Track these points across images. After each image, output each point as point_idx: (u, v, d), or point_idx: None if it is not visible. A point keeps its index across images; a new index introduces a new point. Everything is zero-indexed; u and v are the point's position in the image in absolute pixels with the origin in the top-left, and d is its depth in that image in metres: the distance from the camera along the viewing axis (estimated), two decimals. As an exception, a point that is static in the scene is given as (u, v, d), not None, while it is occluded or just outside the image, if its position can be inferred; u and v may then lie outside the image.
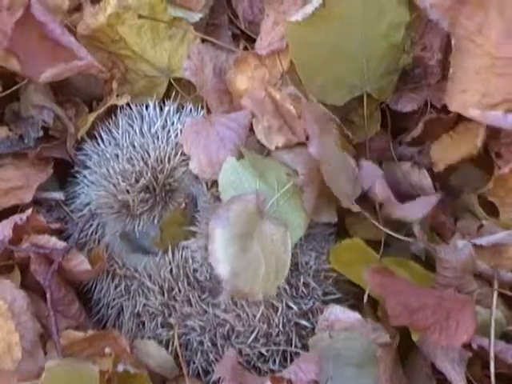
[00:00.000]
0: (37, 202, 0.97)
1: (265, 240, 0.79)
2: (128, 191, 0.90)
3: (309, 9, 0.92)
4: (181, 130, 0.92)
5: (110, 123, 0.97)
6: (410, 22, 0.97)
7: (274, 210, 0.84)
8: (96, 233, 0.93)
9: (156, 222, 0.92)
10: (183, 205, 0.92)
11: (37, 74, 0.93)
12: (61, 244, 0.88)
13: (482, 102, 0.90)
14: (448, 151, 0.97)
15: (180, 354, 0.88)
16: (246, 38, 1.10)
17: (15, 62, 0.93)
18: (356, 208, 0.88)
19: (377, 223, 0.90)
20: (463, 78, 0.92)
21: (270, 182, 0.85)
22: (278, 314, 0.86)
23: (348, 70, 0.96)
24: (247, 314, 0.87)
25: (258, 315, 0.86)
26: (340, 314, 0.85)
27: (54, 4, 0.98)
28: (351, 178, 0.90)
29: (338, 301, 0.89)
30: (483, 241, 0.88)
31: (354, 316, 0.84)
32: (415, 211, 0.89)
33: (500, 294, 0.86)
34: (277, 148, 0.89)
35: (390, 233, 0.90)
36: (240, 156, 0.86)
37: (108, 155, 0.94)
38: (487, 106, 0.90)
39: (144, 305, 0.90)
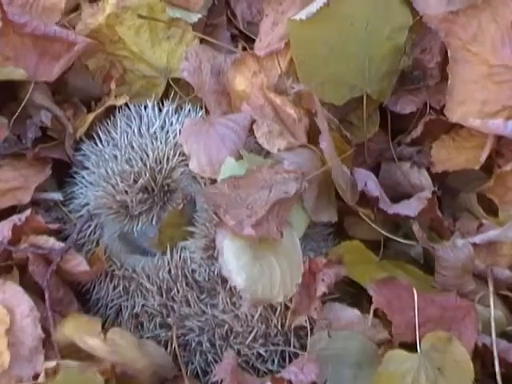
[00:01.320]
0: (35, 203, 0.96)
1: (273, 242, 0.79)
2: (126, 192, 0.90)
3: (313, 7, 0.92)
4: (179, 131, 0.92)
5: (108, 124, 0.97)
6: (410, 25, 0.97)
7: (274, 210, 0.84)
8: (94, 233, 0.93)
9: (154, 222, 0.92)
10: (181, 205, 0.91)
11: (43, 74, 0.94)
12: (59, 244, 0.88)
13: (483, 111, 0.91)
14: (449, 156, 0.97)
15: (179, 355, 0.87)
16: (245, 38, 1.10)
17: (22, 71, 0.94)
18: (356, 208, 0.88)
19: (374, 225, 0.90)
20: (462, 88, 0.92)
21: (270, 183, 0.85)
22: (277, 314, 0.86)
23: (349, 70, 0.96)
24: (246, 315, 0.86)
25: (257, 316, 0.86)
26: (339, 311, 0.85)
27: (50, 3, 0.99)
28: (348, 183, 0.91)
29: (336, 301, 0.89)
30: (477, 239, 0.88)
31: (353, 313, 0.84)
32: (411, 208, 0.89)
33: (499, 294, 0.86)
34: (278, 150, 0.89)
35: (387, 234, 0.91)
36: (239, 157, 0.86)
37: (106, 156, 0.93)
38: (488, 115, 0.90)
39: (143, 305, 0.90)
